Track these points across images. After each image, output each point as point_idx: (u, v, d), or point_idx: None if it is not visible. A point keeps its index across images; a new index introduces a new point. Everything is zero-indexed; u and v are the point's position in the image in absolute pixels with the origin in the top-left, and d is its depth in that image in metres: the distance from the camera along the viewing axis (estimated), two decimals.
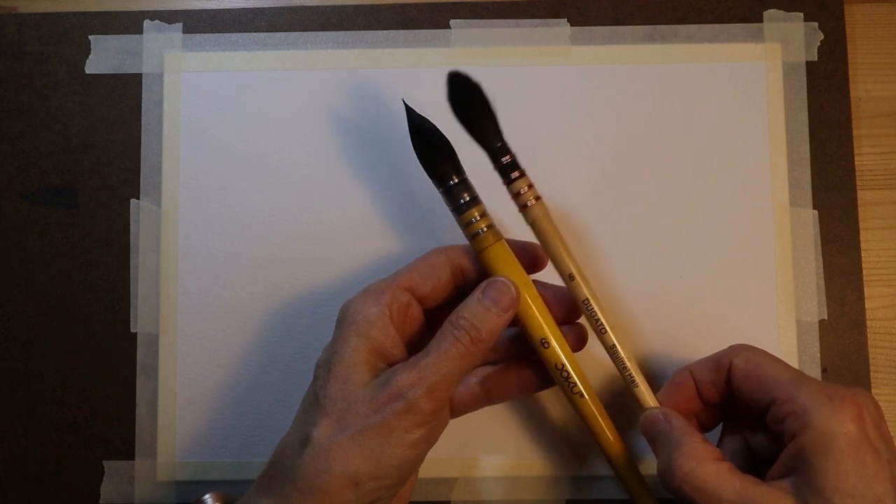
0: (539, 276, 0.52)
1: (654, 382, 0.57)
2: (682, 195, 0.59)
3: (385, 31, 0.62)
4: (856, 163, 0.60)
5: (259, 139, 0.61)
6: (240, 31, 0.62)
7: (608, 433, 0.50)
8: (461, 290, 0.51)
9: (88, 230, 0.61)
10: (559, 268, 0.50)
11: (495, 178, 0.58)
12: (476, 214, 0.49)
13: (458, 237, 0.50)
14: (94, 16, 0.62)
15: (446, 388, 0.46)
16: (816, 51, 0.61)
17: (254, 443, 0.59)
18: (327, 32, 0.62)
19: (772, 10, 0.61)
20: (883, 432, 0.45)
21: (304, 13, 0.62)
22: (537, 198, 0.50)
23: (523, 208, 0.50)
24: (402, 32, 0.62)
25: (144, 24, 0.62)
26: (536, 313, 0.49)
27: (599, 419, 0.50)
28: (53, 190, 0.61)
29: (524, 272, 0.50)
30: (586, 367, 0.50)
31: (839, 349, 0.58)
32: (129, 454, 0.59)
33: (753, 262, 0.59)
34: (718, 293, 0.59)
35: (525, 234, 0.52)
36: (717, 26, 0.61)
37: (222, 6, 0.62)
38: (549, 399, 0.58)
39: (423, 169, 0.50)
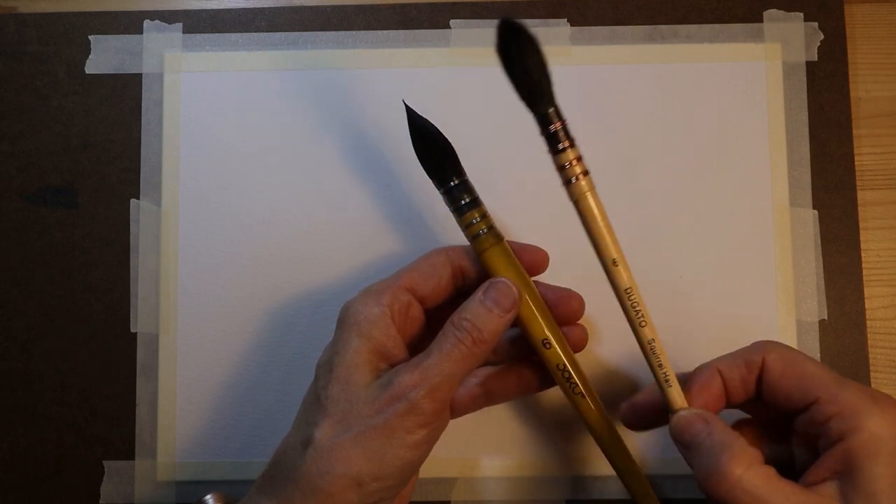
0: (539, 277, 0.52)
1: (652, 380, 0.58)
2: (682, 195, 0.59)
3: (385, 31, 0.62)
4: (856, 163, 0.60)
5: (259, 139, 0.61)
6: (240, 31, 0.62)
7: (609, 433, 0.50)
8: (461, 290, 0.51)
9: (88, 230, 0.61)
10: (601, 252, 0.48)
11: (495, 179, 0.58)
12: (477, 215, 0.49)
13: (458, 238, 0.50)
14: (94, 16, 0.62)
15: (448, 389, 0.46)
16: (816, 51, 0.61)
17: (254, 443, 0.59)
18: (327, 32, 0.62)
19: (772, 10, 0.61)
20: None
21: (304, 13, 0.62)
22: (585, 172, 0.47)
23: (567, 184, 0.48)
24: (402, 32, 0.62)
25: (144, 24, 0.62)
26: (538, 314, 0.49)
27: (600, 419, 0.50)
28: (53, 190, 0.61)
29: (525, 273, 0.50)
30: (587, 368, 0.50)
31: (839, 349, 0.58)
32: (129, 454, 0.59)
33: (753, 262, 0.59)
34: (718, 293, 0.59)
35: (527, 235, 0.52)
36: (717, 26, 0.61)
37: (222, 6, 0.62)
38: (550, 399, 0.58)
39: (423, 170, 0.50)
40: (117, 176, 0.61)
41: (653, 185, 0.60)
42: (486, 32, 0.61)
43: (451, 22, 0.61)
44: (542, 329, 0.49)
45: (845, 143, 0.60)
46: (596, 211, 0.48)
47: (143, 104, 0.61)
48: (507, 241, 0.50)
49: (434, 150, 0.49)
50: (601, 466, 0.56)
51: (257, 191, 0.60)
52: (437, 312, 0.51)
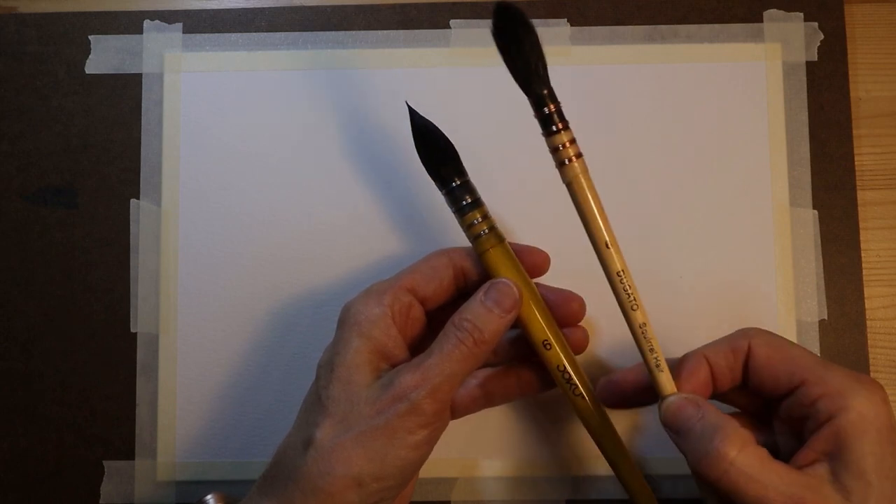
0: (540, 278, 0.52)
1: None
2: (682, 195, 0.59)
3: (385, 31, 0.62)
4: (856, 163, 0.60)
5: (259, 139, 0.61)
6: (240, 31, 0.62)
7: (609, 434, 0.50)
8: (463, 291, 0.51)
9: (88, 230, 0.61)
10: (594, 235, 0.48)
11: (496, 179, 0.58)
12: (478, 216, 0.49)
13: (459, 238, 0.50)
14: (94, 16, 0.62)
15: (449, 389, 0.46)
16: (816, 51, 0.61)
17: (254, 443, 0.59)
18: (327, 32, 0.62)
19: (772, 10, 0.61)
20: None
21: (304, 13, 0.62)
22: (578, 155, 0.48)
23: (560, 166, 0.48)
24: (402, 32, 0.61)
25: (144, 24, 0.62)
26: (538, 315, 0.49)
27: (600, 421, 0.50)
28: (53, 190, 0.61)
29: (526, 274, 0.50)
30: (587, 369, 0.50)
31: (839, 349, 0.58)
32: (129, 454, 0.59)
33: (753, 262, 0.59)
34: (718, 293, 0.59)
35: (528, 236, 0.53)
36: (717, 26, 0.61)
37: (222, 6, 0.62)
38: (550, 400, 0.58)
39: (425, 170, 0.50)
40: (117, 176, 0.61)
41: (653, 184, 0.60)
42: (486, 32, 0.61)
43: (451, 22, 0.61)
44: (543, 330, 0.49)
45: (845, 143, 0.60)
46: (589, 193, 0.48)
47: (143, 104, 0.61)
48: (509, 243, 0.50)
49: (436, 150, 0.49)
50: (601, 467, 0.56)
51: (257, 191, 0.60)
52: (438, 313, 0.51)
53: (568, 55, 0.61)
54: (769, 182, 0.59)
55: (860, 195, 0.60)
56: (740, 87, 0.60)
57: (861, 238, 0.59)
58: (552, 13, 0.61)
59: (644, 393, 0.49)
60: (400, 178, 0.60)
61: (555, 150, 0.48)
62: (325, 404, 0.46)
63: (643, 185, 0.60)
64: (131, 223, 0.60)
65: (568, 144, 0.47)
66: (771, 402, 0.48)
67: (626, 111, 0.60)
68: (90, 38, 0.62)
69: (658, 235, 0.59)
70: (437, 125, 0.50)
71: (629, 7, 0.61)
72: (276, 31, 0.62)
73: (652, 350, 0.48)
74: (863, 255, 0.59)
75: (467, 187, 0.49)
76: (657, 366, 0.48)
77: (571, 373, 0.49)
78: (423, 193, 0.59)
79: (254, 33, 0.62)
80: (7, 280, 0.60)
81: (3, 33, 0.62)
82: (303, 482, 0.45)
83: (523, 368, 0.52)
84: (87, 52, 0.62)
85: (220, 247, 0.60)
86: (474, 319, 0.47)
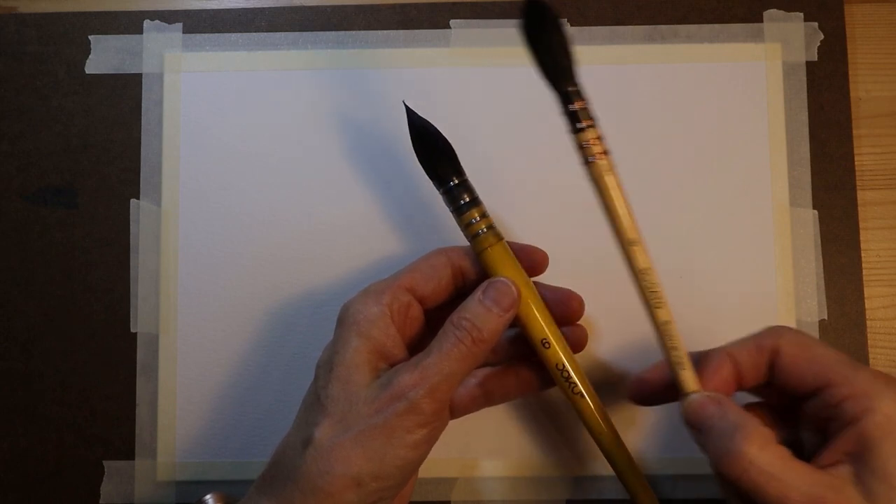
0: (539, 277, 0.52)
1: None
2: (682, 195, 0.59)
3: (385, 31, 0.62)
4: (856, 163, 0.60)
5: (259, 139, 0.61)
6: (240, 31, 0.62)
7: (608, 433, 0.50)
8: (461, 291, 0.51)
9: (88, 230, 0.61)
10: (620, 232, 0.48)
11: (495, 179, 0.58)
12: (476, 215, 0.49)
13: (458, 238, 0.50)
14: (94, 16, 0.62)
15: (448, 389, 0.46)
16: (816, 51, 0.61)
17: (254, 443, 0.59)
18: (327, 32, 0.62)
19: (772, 10, 0.61)
20: None
21: (304, 13, 0.62)
22: (605, 152, 0.47)
23: (586, 163, 0.48)
24: (402, 32, 0.62)
25: (144, 24, 0.62)
26: (537, 314, 0.49)
27: (600, 419, 0.50)
28: (53, 190, 0.61)
29: (524, 273, 0.50)
30: (586, 368, 0.50)
31: (839, 349, 0.58)
32: (129, 454, 0.59)
33: (753, 262, 0.59)
34: (718, 293, 0.59)
35: (526, 235, 0.53)
36: (717, 26, 0.61)
37: (222, 6, 0.62)
38: (550, 399, 0.58)
39: (423, 170, 0.50)
40: (117, 176, 0.61)
41: (653, 184, 0.60)
42: (486, 32, 0.61)
43: (451, 22, 0.61)
44: (542, 329, 0.49)
45: (845, 143, 0.60)
46: (616, 191, 0.48)
47: (143, 104, 0.61)
48: (507, 242, 0.50)
49: (434, 150, 0.49)
50: (601, 466, 0.56)
51: (257, 191, 0.60)
52: (436, 312, 0.51)
53: None
54: (769, 182, 0.59)
55: (860, 195, 0.60)
56: (740, 87, 0.60)
57: (861, 238, 0.59)
58: None
59: (675, 389, 0.49)
60: (399, 178, 0.60)
61: (581, 148, 0.47)
62: (324, 404, 0.46)
63: (643, 185, 0.59)
64: (131, 223, 0.60)
65: (595, 141, 0.47)
66: (797, 400, 0.48)
67: (626, 111, 0.60)
68: (90, 38, 0.62)
69: (658, 235, 0.59)
70: (434, 125, 0.50)
71: (629, 7, 0.61)
72: (276, 31, 0.62)
73: (675, 348, 0.48)
74: (863, 255, 0.59)
75: (465, 186, 0.49)
76: (679, 363, 0.48)
77: (571, 371, 0.49)
78: (422, 193, 0.59)
79: (254, 33, 0.62)
80: (7, 280, 0.61)
81: (3, 33, 0.62)
82: (302, 482, 0.45)
83: (522, 367, 0.52)
84: (87, 52, 0.62)
85: (220, 247, 0.60)
86: (473, 318, 0.47)
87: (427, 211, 0.59)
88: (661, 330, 0.48)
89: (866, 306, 0.59)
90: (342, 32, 0.62)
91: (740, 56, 0.61)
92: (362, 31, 0.62)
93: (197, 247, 0.60)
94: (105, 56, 0.62)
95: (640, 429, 0.58)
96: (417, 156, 0.50)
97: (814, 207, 0.59)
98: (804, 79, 0.60)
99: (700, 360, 0.49)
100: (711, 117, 0.60)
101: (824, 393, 0.45)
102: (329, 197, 0.60)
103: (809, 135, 0.60)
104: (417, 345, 0.50)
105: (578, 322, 0.52)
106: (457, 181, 0.49)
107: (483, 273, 0.50)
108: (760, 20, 0.61)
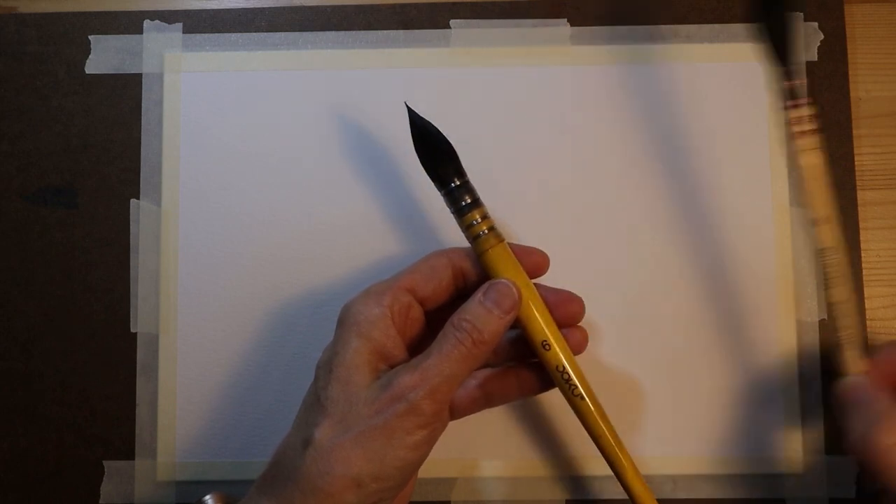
0: (540, 279, 0.52)
1: (653, 381, 0.58)
2: (682, 195, 0.59)
3: (385, 31, 0.62)
4: (856, 163, 0.60)
5: (259, 139, 0.61)
6: (240, 31, 0.62)
7: (608, 435, 0.50)
8: (462, 292, 0.51)
9: (88, 230, 0.61)
10: (815, 208, 0.50)
11: (496, 180, 0.58)
12: (478, 216, 0.49)
13: (459, 239, 0.50)
14: (94, 16, 0.62)
15: (448, 390, 0.46)
16: (816, 51, 0.61)
17: (254, 443, 0.59)
18: (327, 32, 0.62)
19: None
20: None
21: (304, 13, 0.62)
22: (815, 130, 0.49)
23: (792, 138, 0.50)
24: (402, 32, 0.61)
25: (144, 24, 0.62)
26: (538, 315, 0.49)
27: (600, 421, 0.50)
28: (53, 190, 0.61)
29: (525, 274, 0.49)
30: (587, 370, 0.50)
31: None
32: (129, 454, 0.59)
33: (753, 262, 0.59)
34: (718, 293, 0.59)
35: (528, 237, 0.52)
36: (717, 26, 0.61)
37: (222, 6, 0.62)
38: (550, 400, 0.58)
39: (424, 170, 0.50)
40: (117, 176, 0.61)
41: (653, 184, 0.60)
42: (486, 32, 0.61)
43: (451, 22, 0.61)
44: (543, 330, 0.49)
45: (845, 143, 0.60)
46: (815, 170, 0.49)
47: (143, 104, 0.61)
48: (508, 243, 0.50)
49: (435, 151, 0.49)
50: (601, 467, 0.56)
51: (257, 191, 0.60)
52: (437, 314, 0.51)
53: (568, 55, 0.61)
54: (769, 182, 0.59)
55: (860, 195, 0.60)
56: (740, 87, 0.60)
57: (861, 238, 0.59)
58: (552, 13, 0.61)
59: None
60: (399, 178, 0.60)
61: (790, 124, 0.49)
62: (324, 405, 0.46)
63: (642, 185, 0.59)
64: (131, 223, 0.60)
65: (806, 119, 0.49)
66: None
67: (626, 111, 0.60)
68: (90, 38, 0.62)
69: (658, 235, 0.59)
70: (436, 125, 0.50)
71: (629, 7, 0.61)
72: (276, 31, 0.62)
73: (847, 327, 0.50)
74: (863, 255, 0.59)
75: (466, 188, 0.49)
76: (848, 343, 0.50)
77: (571, 373, 0.49)
78: (422, 194, 0.59)
79: (254, 33, 0.62)
80: (7, 280, 0.61)
81: (3, 33, 0.62)
82: (302, 482, 0.45)
83: (523, 369, 0.52)
84: (87, 52, 0.62)
85: (220, 247, 0.60)
86: (473, 320, 0.47)
87: (427, 211, 0.59)
88: (836, 308, 0.50)
89: (866, 306, 0.59)
90: (342, 32, 0.62)
91: (740, 56, 0.61)
92: (362, 31, 0.62)
93: (197, 247, 0.60)
94: (105, 56, 0.62)
95: (640, 430, 0.58)
96: (419, 156, 0.50)
97: None
98: (804, 79, 0.60)
99: (879, 347, 0.51)
100: (711, 117, 0.60)
101: None
102: (329, 197, 0.60)
103: None
104: (418, 346, 0.50)
105: (579, 324, 0.52)
106: (458, 182, 0.49)
107: (484, 274, 0.50)
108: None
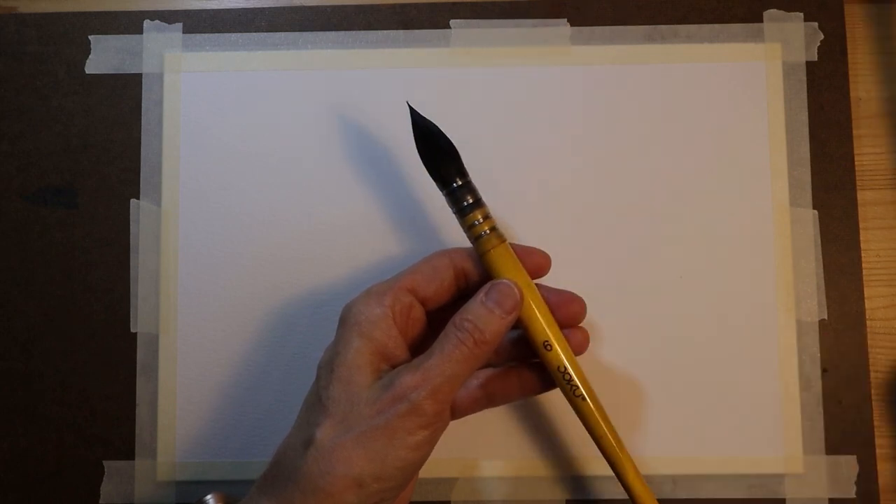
0: (542, 279, 0.52)
1: (653, 381, 0.58)
2: (682, 195, 0.59)
3: (385, 31, 0.61)
4: (856, 163, 0.60)
5: (259, 139, 0.61)
6: (240, 31, 0.62)
7: (609, 436, 0.50)
8: (464, 292, 0.51)
9: (88, 230, 0.61)
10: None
11: (496, 180, 0.58)
12: (479, 217, 0.49)
13: (460, 239, 0.50)
14: (94, 16, 0.62)
15: (450, 390, 0.46)
16: (816, 51, 0.61)
17: (254, 443, 0.59)
18: (327, 32, 0.62)
19: (772, 10, 0.61)
20: None
21: (304, 13, 0.62)
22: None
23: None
24: (402, 32, 0.61)
25: (144, 24, 0.62)
26: (539, 316, 0.49)
27: (601, 422, 0.50)
28: (53, 190, 0.61)
29: (527, 275, 0.50)
30: (588, 371, 0.50)
31: (839, 349, 0.58)
32: (129, 454, 0.59)
33: (753, 262, 0.59)
34: (718, 293, 0.59)
35: (529, 237, 0.52)
36: (717, 26, 0.61)
37: (222, 6, 0.62)
38: (550, 400, 0.58)
39: (426, 170, 0.50)
40: (117, 176, 0.61)
41: (653, 185, 0.60)
42: (486, 32, 0.61)
43: (451, 22, 0.61)
44: (544, 331, 0.49)
45: (845, 143, 0.60)
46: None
47: (143, 104, 0.61)
48: (510, 244, 0.50)
49: (437, 151, 0.49)
50: (601, 467, 0.56)
51: (257, 191, 0.60)
52: (439, 314, 0.51)
53: (568, 55, 0.61)
54: (769, 182, 0.59)
55: (860, 195, 0.60)
56: (740, 87, 0.60)
57: (861, 238, 0.59)
58: (552, 13, 0.61)
59: None
60: (400, 178, 0.60)
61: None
62: (325, 404, 0.46)
63: (643, 185, 0.60)
64: (131, 223, 0.60)
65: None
66: None
67: (626, 111, 0.60)
68: (90, 38, 0.62)
69: (658, 235, 0.59)
70: (438, 126, 0.50)
71: (629, 7, 0.61)
72: (276, 31, 0.62)
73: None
74: (863, 255, 0.59)
75: (469, 188, 0.49)
76: None
77: (572, 374, 0.49)
78: (423, 193, 0.59)
79: (254, 33, 0.62)
80: (7, 280, 0.60)
81: (3, 33, 0.62)
82: (303, 482, 0.45)
83: (524, 369, 0.52)
84: (87, 52, 0.62)
85: (220, 247, 0.60)
86: (475, 320, 0.47)
87: (429, 211, 0.59)
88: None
89: (866, 306, 0.59)
90: (342, 32, 0.62)
91: (740, 56, 0.61)
92: (362, 31, 0.62)
93: (197, 247, 0.60)
94: (105, 56, 0.62)
95: (641, 430, 0.58)
96: (421, 156, 0.50)
97: (814, 207, 0.59)
98: (804, 79, 0.60)
99: None
100: (711, 117, 0.60)
101: None
102: (329, 197, 0.60)
103: (809, 135, 0.60)
104: (419, 346, 0.50)
105: (580, 325, 0.52)
106: (460, 182, 0.49)
107: (485, 275, 0.50)
108: (760, 20, 0.61)
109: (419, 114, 0.50)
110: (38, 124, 0.61)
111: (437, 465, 0.58)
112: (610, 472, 0.51)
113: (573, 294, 0.51)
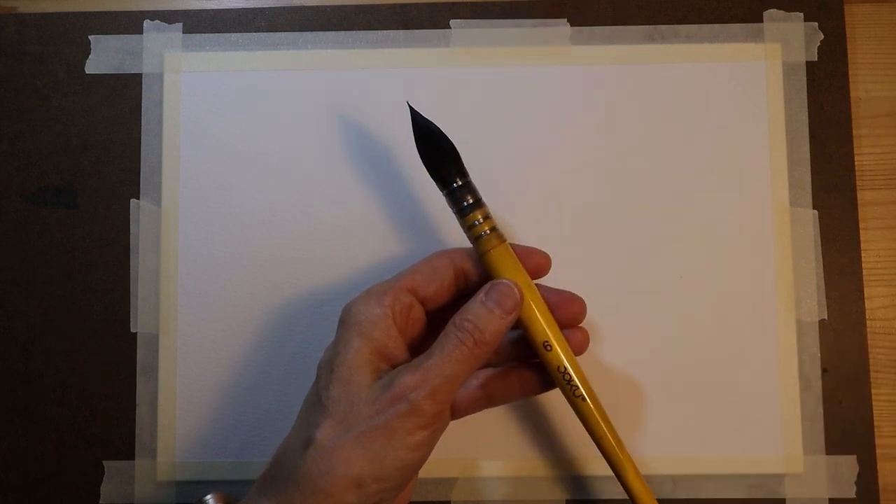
0: (543, 280, 0.52)
1: (653, 381, 0.58)
2: (682, 195, 0.59)
3: (385, 31, 0.61)
4: (856, 163, 0.60)
5: (259, 139, 0.61)
6: (240, 31, 0.62)
7: (609, 436, 0.50)
8: (464, 292, 0.51)
9: (88, 230, 0.61)
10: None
11: (496, 180, 0.58)
12: (479, 217, 0.49)
13: (460, 239, 0.50)
14: (94, 16, 0.62)
15: (449, 390, 0.46)
16: (816, 51, 0.61)
17: (254, 443, 0.59)
18: (327, 32, 0.62)
19: (772, 10, 0.61)
20: None
21: (304, 13, 0.62)
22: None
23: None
24: (402, 32, 0.61)
25: (144, 24, 0.62)
26: (539, 316, 0.49)
27: (601, 422, 0.50)
28: (53, 190, 0.61)
29: (527, 275, 0.49)
30: (588, 371, 0.50)
31: (839, 349, 0.58)
32: (129, 454, 0.59)
33: (753, 262, 0.59)
34: (718, 293, 0.59)
35: (529, 237, 0.52)
36: (717, 26, 0.61)
37: (222, 6, 0.62)
38: (550, 400, 0.58)
39: (425, 170, 0.50)
40: (117, 176, 0.61)
41: (653, 185, 0.60)
42: (486, 32, 0.61)
43: (451, 22, 0.61)
44: (544, 331, 0.49)
45: (845, 143, 0.60)
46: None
47: (143, 104, 0.61)
48: (510, 244, 0.50)
49: (438, 151, 0.49)
50: (601, 467, 0.56)
51: (257, 191, 0.60)
52: (438, 314, 0.51)
53: (568, 55, 0.61)
54: (769, 182, 0.59)
55: (860, 195, 0.60)
56: (740, 87, 0.60)
57: (861, 238, 0.59)
58: (552, 13, 0.61)
59: None
60: (400, 178, 0.60)
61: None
62: (325, 405, 0.46)
63: (643, 185, 0.60)
64: (131, 223, 0.60)
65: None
66: None
67: (626, 111, 0.60)
68: (90, 38, 0.62)
69: (658, 235, 0.59)
70: (438, 126, 0.50)
71: (629, 7, 0.61)
72: (276, 31, 0.62)
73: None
74: (863, 255, 0.59)
75: (469, 188, 0.49)
76: None
77: (572, 374, 0.49)
78: (423, 193, 0.59)
79: (254, 33, 0.62)
80: (7, 280, 0.60)
81: (3, 33, 0.62)
82: (302, 482, 0.45)
83: (524, 369, 0.52)
84: (87, 52, 0.62)
85: (220, 247, 0.60)
86: (475, 320, 0.47)
87: (428, 211, 0.59)
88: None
89: (866, 306, 0.59)
90: (342, 32, 0.62)
91: (740, 56, 0.61)
92: (362, 31, 0.62)
93: (197, 247, 0.60)
94: (105, 56, 0.62)
95: (641, 431, 0.58)
96: (421, 156, 0.50)
97: (814, 207, 0.59)
98: (804, 79, 0.60)
99: None
100: (711, 117, 0.60)
101: None
102: (329, 197, 0.60)
103: (809, 135, 0.60)
104: (419, 346, 0.50)
105: (580, 325, 0.52)
106: (460, 182, 0.49)
107: (485, 275, 0.50)
108: (760, 20, 0.61)
109: (419, 114, 0.50)
110: (38, 124, 0.61)
111: (437, 465, 0.58)
112: (610, 472, 0.51)
113: (573, 294, 0.51)
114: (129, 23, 0.62)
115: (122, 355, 0.60)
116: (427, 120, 0.50)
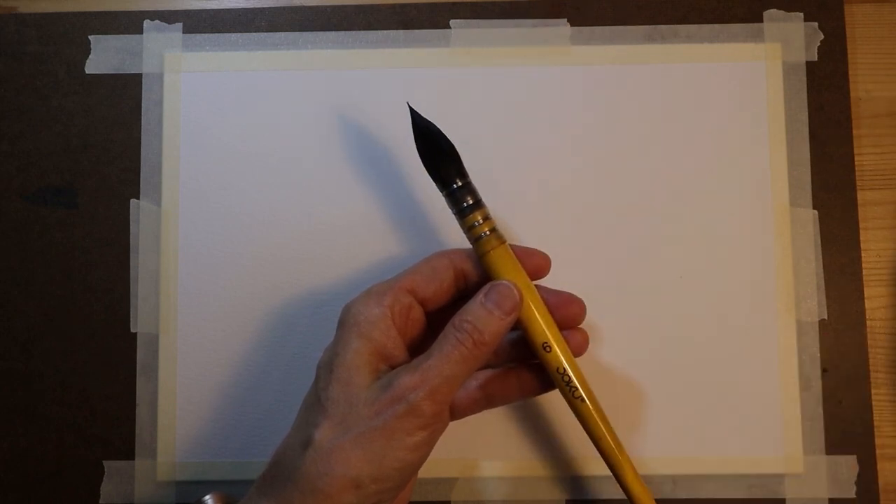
0: (542, 281, 0.52)
1: (653, 381, 0.58)
2: (682, 195, 0.59)
3: (385, 31, 0.61)
4: (856, 163, 0.60)
5: (259, 139, 0.61)
6: (240, 31, 0.62)
7: (608, 437, 0.50)
8: (463, 293, 0.51)
9: (88, 230, 0.61)
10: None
11: (496, 180, 0.58)
12: (479, 218, 0.49)
13: (460, 240, 0.50)
14: (94, 16, 0.62)
15: (448, 391, 0.46)
16: (816, 51, 0.61)
17: (254, 443, 0.59)
18: (327, 32, 0.62)
19: (772, 10, 0.61)
20: None
21: (304, 13, 0.62)
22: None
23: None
24: (402, 32, 0.61)
25: (144, 24, 0.62)
26: (538, 317, 0.49)
27: (600, 423, 0.50)
28: (53, 190, 0.61)
29: (527, 276, 0.49)
30: (587, 372, 0.50)
31: (839, 349, 0.58)
32: (129, 454, 0.59)
33: (753, 262, 0.59)
34: (718, 293, 0.59)
35: (529, 238, 0.52)
36: (717, 26, 0.61)
37: (222, 6, 0.62)
38: (550, 401, 0.58)
39: (426, 171, 0.50)
40: (117, 176, 0.61)
41: (653, 185, 0.60)
42: (486, 32, 0.61)
43: (451, 22, 0.61)
44: (543, 332, 0.49)
45: (845, 143, 0.60)
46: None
47: (143, 104, 0.61)
48: (510, 245, 0.50)
49: (437, 151, 0.49)
50: (600, 467, 0.56)
51: (257, 191, 0.60)
52: (438, 315, 0.51)
53: (568, 55, 0.61)
54: (769, 182, 0.59)
55: (860, 195, 0.60)
56: (740, 87, 0.60)
57: (861, 238, 0.59)
58: (552, 13, 0.61)
59: None
60: (400, 179, 0.60)
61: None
62: (324, 405, 0.46)
63: (643, 185, 0.59)
64: (131, 223, 0.60)
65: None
66: None
67: (627, 111, 0.60)
68: (90, 38, 0.62)
69: (658, 235, 0.59)
70: (438, 126, 0.50)
71: (629, 7, 0.61)
72: (276, 31, 0.62)
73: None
74: (863, 255, 0.59)
75: (469, 188, 0.49)
76: None
77: (571, 375, 0.49)
78: (423, 194, 0.59)
79: (254, 33, 0.62)
80: (7, 280, 0.61)
81: (3, 33, 0.62)
82: (301, 483, 0.45)
83: (523, 370, 0.52)
84: (87, 52, 0.62)
85: (220, 247, 0.60)
86: (474, 321, 0.47)
87: (428, 212, 0.59)
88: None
89: (866, 306, 0.59)
90: (342, 32, 0.62)
91: (740, 56, 0.61)
92: (362, 31, 0.62)
93: (197, 247, 0.60)
94: (105, 56, 0.62)
95: (641, 431, 0.58)
96: (421, 157, 0.50)
97: (814, 207, 0.59)
98: (804, 79, 0.60)
99: None
100: (711, 117, 0.60)
101: None
102: (329, 197, 0.60)
103: (809, 135, 0.60)
104: (418, 347, 0.50)
105: (580, 326, 0.52)
106: (460, 183, 0.49)
107: (485, 276, 0.50)
108: (760, 20, 0.61)
109: (419, 114, 0.50)
110: (38, 124, 0.61)
111: (437, 465, 0.58)
112: (609, 473, 0.51)
113: (572, 295, 0.51)
114: (129, 23, 0.62)
115: (122, 355, 0.60)
116: (427, 120, 0.50)
